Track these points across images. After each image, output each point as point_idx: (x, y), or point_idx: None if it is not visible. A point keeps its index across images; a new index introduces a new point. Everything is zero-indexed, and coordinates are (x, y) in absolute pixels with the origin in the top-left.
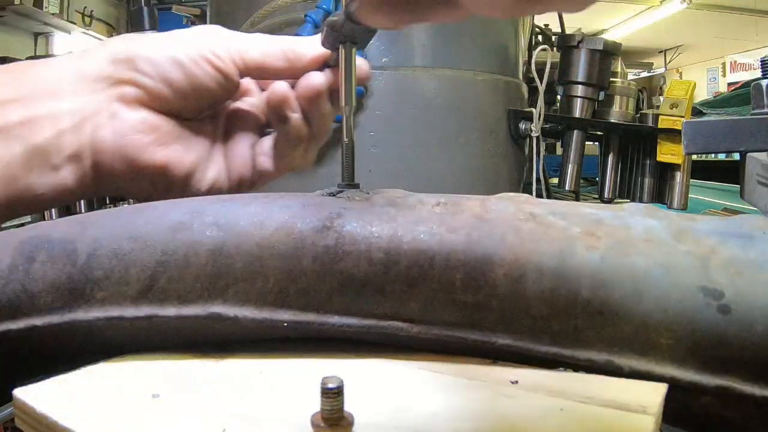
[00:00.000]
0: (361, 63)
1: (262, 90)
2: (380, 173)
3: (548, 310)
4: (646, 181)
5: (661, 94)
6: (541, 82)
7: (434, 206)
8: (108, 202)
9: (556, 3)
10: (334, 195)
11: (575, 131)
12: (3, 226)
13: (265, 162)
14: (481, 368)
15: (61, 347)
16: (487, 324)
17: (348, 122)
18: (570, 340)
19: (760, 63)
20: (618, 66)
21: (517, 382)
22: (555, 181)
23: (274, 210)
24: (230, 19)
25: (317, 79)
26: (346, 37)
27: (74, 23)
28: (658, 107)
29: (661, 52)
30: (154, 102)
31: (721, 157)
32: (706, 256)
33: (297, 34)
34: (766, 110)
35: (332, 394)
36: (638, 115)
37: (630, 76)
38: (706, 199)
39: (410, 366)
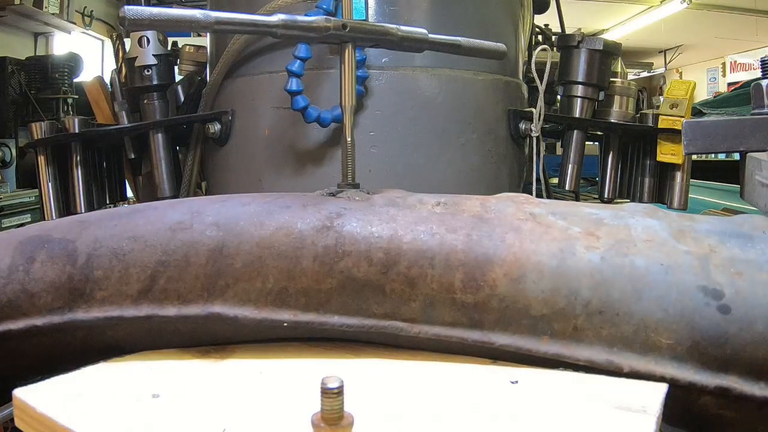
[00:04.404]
0: None
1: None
2: (380, 173)
3: (548, 310)
4: (646, 181)
5: (661, 94)
6: (541, 82)
7: (434, 206)
8: (108, 202)
9: None
10: (334, 195)
11: (575, 131)
12: (3, 226)
13: None
14: (481, 368)
15: (61, 347)
16: (487, 324)
17: (348, 122)
18: (570, 340)
19: (760, 63)
20: (618, 66)
21: (517, 382)
22: (555, 181)
23: (274, 210)
24: None
25: None
26: (346, 38)
27: (74, 23)
28: (658, 107)
29: (661, 52)
30: None
31: (721, 157)
32: (706, 256)
33: (293, 54)
34: (766, 110)
35: (332, 394)
36: (638, 115)
37: (630, 76)
38: (706, 199)
39: (410, 366)
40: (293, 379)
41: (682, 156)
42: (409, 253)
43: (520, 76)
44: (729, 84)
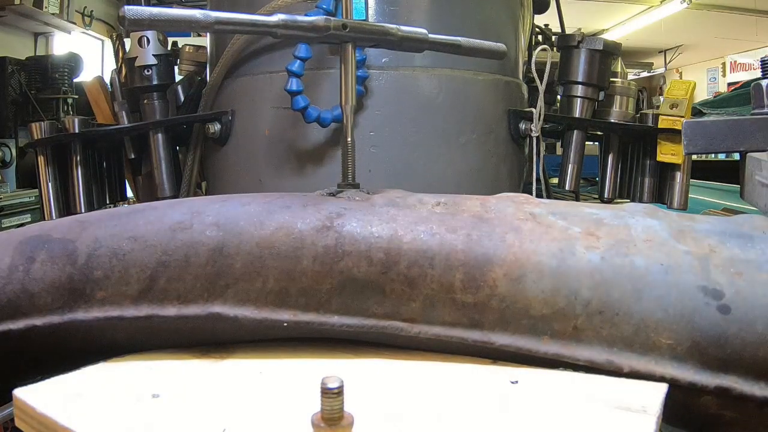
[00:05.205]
0: None
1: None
2: (380, 173)
3: (548, 310)
4: (646, 181)
5: (661, 94)
6: (541, 82)
7: (434, 206)
8: (108, 202)
9: None
10: (334, 195)
11: (575, 131)
12: (3, 226)
13: None
14: (481, 368)
15: (61, 347)
16: (487, 324)
17: (348, 122)
18: (570, 340)
19: (760, 63)
20: (618, 66)
21: (517, 382)
22: (555, 181)
23: (274, 210)
24: None
25: None
26: (346, 38)
27: (74, 23)
28: (658, 107)
29: (661, 52)
30: None
31: (721, 157)
32: (706, 256)
33: (293, 54)
34: (766, 110)
35: (332, 394)
36: (638, 115)
37: (630, 76)
38: (706, 199)
39: (410, 366)
40: (293, 379)
41: (682, 156)
42: (409, 253)
43: (520, 76)
44: (729, 84)
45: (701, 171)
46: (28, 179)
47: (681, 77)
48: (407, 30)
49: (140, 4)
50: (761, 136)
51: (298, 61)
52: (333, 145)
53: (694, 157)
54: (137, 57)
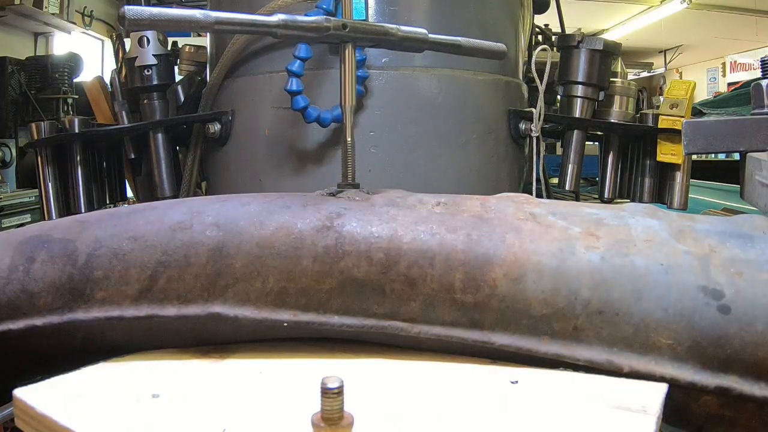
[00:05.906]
0: None
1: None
2: (380, 173)
3: (548, 310)
4: (646, 181)
5: (661, 94)
6: (541, 82)
7: (434, 206)
8: (108, 202)
9: None
10: (334, 195)
11: (575, 131)
12: (3, 226)
13: None
14: (481, 368)
15: (61, 347)
16: (487, 324)
17: (348, 122)
18: (570, 340)
19: (760, 63)
20: (618, 66)
21: (517, 382)
22: (555, 181)
23: (274, 210)
24: None
25: None
26: (346, 38)
27: (74, 23)
28: (658, 107)
29: (661, 52)
30: None
31: (721, 157)
32: (706, 256)
33: (293, 54)
34: (766, 110)
35: (332, 394)
36: (638, 115)
37: (630, 76)
38: (706, 199)
39: (410, 366)
40: (293, 379)
41: (682, 156)
42: (409, 253)
43: (520, 76)
44: (729, 84)
45: (701, 171)
46: (28, 179)
47: (681, 77)
48: (407, 30)
49: (140, 4)
50: (761, 136)
51: (298, 61)
52: (333, 145)
53: (694, 157)
54: (137, 57)
